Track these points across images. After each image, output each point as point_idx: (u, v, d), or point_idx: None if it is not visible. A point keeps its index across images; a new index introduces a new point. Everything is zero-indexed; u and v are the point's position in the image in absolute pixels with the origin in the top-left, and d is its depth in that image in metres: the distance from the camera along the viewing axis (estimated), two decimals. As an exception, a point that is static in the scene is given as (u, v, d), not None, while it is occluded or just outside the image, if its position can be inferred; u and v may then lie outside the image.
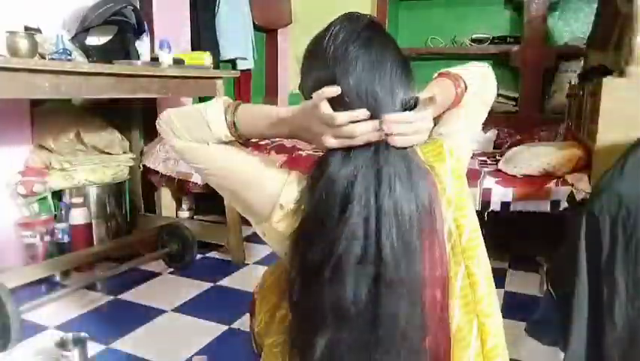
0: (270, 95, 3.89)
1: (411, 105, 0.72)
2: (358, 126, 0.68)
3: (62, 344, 1.42)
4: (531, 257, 2.08)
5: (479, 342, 0.75)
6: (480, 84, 0.90)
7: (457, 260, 0.76)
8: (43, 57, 1.72)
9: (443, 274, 0.75)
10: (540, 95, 3.38)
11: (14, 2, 1.96)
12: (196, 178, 2.43)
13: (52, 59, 1.66)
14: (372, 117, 0.69)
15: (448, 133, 0.85)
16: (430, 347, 0.74)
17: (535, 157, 2.01)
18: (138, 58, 2.05)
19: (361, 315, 0.69)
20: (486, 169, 2.18)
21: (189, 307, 1.86)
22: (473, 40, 3.54)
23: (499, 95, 3.49)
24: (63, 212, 2.15)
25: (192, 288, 2.02)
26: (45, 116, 2.15)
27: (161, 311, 1.83)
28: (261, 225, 0.81)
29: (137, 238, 2.37)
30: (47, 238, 2.07)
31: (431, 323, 0.74)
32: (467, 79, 0.87)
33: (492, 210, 1.94)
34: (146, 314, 1.80)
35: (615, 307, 1.00)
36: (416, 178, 0.71)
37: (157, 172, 2.51)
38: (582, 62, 2.95)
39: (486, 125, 3.19)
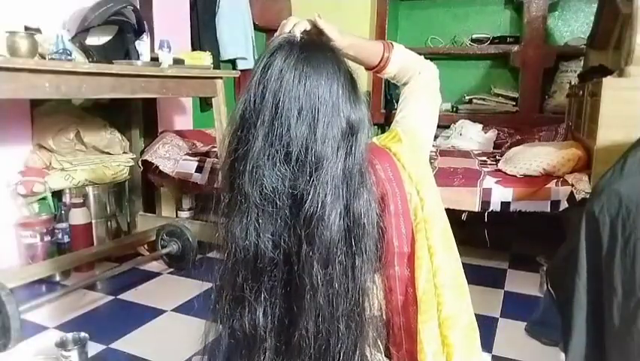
0: (270, 95, 3.88)
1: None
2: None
3: (62, 344, 1.42)
4: (531, 257, 2.08)
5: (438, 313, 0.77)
6: (411, 58, 0.96)
7: (422, 233, 0.77)
8: (43, 57, 1.72)
9: (409, 250, 0.77)
10: (540, 95, 3.37)
11: (14, 2, 1.96)
12: (196, 178, 2.43)
13: (52, 59, 1.66)
14: None
15: (403, 116, 0.91)
16: (402, 321, 0.77)
17: (535, 157, 2.01)
18: (138, 58, 2.05)
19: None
20: (486, 169, 2.19)
21: (189, 307, 1.86)
22: (473, 41, 3.54)
23: (498, 95, 3.50)
24: (63, 212, 2.15)
25: (192, 288, 2.02)
26: (45, 116, 2.15)
27: (161, 311, 1.83)
28: None
29: (137, 238, 2.37)
30: (47, 238, 2.07)
31: (402, 299, 0.77)
32: (397, 50, 0.95)
33: (492, 210, 1.94)
34: (146, 314, 1.80)
35: (613, 307, 1.00)
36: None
37: (156, 171, 2.51)
38: (582, 62, 2.96)
39: (486, 125, 3.22)
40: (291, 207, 0.67)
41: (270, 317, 0.69)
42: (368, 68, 0.95)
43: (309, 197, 0.65)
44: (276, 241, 0.68)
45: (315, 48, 0.73)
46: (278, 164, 0.66)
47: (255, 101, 0.68)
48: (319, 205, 0.65)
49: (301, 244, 0.66)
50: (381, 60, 0.92)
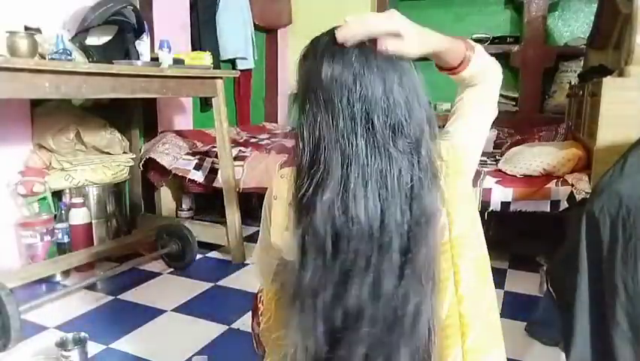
0: (270, 94, 3.89)
1: None
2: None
3: (62, 344, 1.42)
4: (531, 257, 2.08)
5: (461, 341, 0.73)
6: (488, 63, 0.86)
7: (446, 256, 0.74)
8: (43, 57, 1.72)
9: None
10: (540, 95, 3.38)
11: (14, 2, 1.96)
12: (194, 175, 2.43)
13: (52, 59, 1.66)
14: None
15: (457, 129, 0.84)
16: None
17: (535, 157, 2.01)
18: (138, 58, 2.05)
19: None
20: (486, 169, 2.18)
21: (189, 307, 1.86)
22: (473, 40, 3.54)
23: (499, 95, 3.50)
24: (63, 212, 2.15)
25: (192, 288, 2.02)
26: (45, 116, 2.15)
27: (161, 311, 1.83)
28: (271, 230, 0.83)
29: (137, 238, 2.37)
30: (47, 238, 2.07)
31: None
32: (478, 49, 0.84)
33: (492, 210, 1.94)
34: (146, 314, 1.80)
35: (617, 306, 1.00)
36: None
37: (157, 172, 2.51)
38: (582, 62, 2.96)
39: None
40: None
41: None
42: (442, 69, 0.83)
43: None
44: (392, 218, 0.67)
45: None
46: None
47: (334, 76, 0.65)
48: (419, 180, 0.67)
49: (412, 225, 0.67)
50: (461, 62, 0.81)
